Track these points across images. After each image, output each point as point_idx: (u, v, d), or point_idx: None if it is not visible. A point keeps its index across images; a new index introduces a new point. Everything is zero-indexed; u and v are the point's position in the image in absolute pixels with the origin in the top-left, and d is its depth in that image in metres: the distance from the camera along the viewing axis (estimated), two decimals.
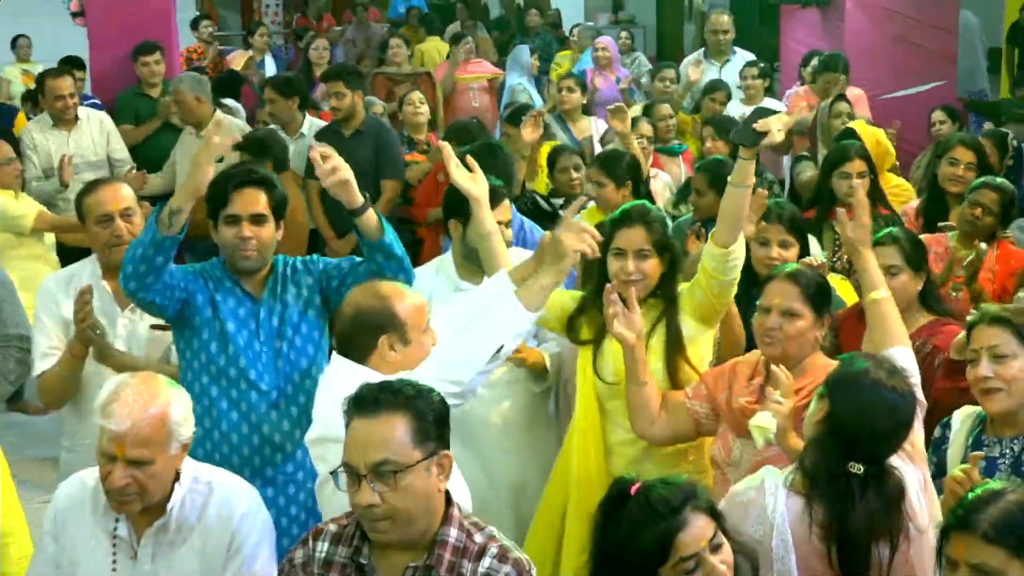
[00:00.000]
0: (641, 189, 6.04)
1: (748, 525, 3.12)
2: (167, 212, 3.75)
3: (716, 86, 8.93)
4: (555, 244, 3.47)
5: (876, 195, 5.70)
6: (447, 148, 4.14)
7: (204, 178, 3.79)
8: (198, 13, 14.29)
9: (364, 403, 2.77)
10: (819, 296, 3.80)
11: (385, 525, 2.72)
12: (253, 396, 3.92)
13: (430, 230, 7.05)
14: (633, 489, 2.71)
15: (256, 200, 3.96)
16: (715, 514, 2.74)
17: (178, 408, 3.08)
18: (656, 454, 4.10)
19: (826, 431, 3.18)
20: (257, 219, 3.96)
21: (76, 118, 7.97)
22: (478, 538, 2.81)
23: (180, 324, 3.98)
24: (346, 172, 3.75)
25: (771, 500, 3.15)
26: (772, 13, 12.08)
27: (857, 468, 3.11)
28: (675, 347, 4.09)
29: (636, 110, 8.95)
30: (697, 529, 2.65)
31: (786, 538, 3.10)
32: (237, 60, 12.30)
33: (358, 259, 4.07)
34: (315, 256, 4.25)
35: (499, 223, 4.35)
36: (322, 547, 2.86)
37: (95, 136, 8.00)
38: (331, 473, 2.80)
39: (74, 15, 9.08)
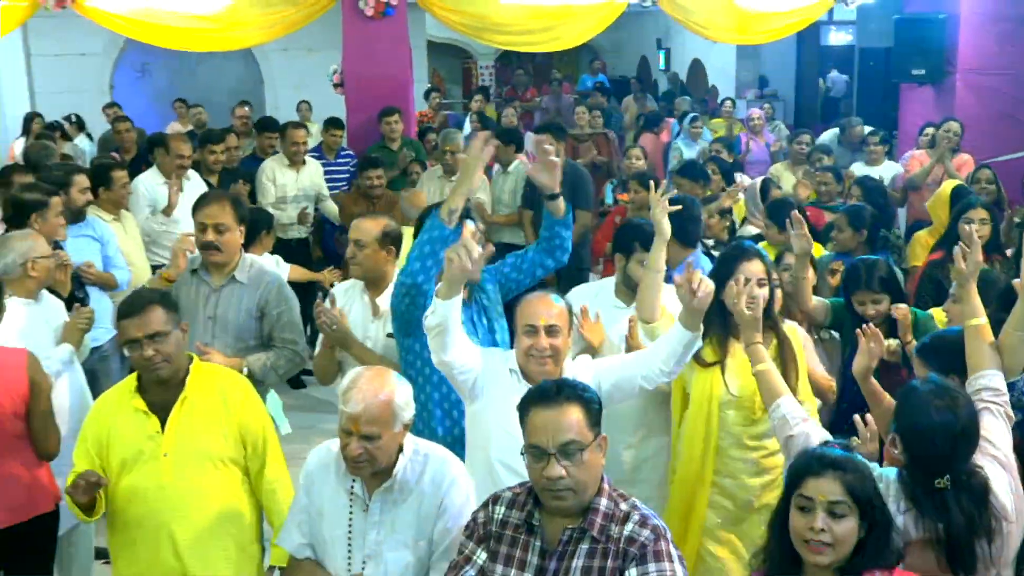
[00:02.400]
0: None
1: None
2: (446, 211, 3.83)
3: None
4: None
5: (995, 243, 5.54)
6: (657, 197, 4.29)
7: (475, 180, 3.92)
8: (430, 85, 14.57)
9: (547, 395, 2.78)
10: None
11: (568, 494, 2.72)
12: None
13: (608, 260, 7.04)
14: None
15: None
16: None
17: (401, 395, 3.10)
18: (757, 457, 4.05)
19: (909, 458, 3.04)
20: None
21: (304, 162, 8.24)
22: (623, 506, 2.78)
23: (412, 328, 3.99)
24: (556, 164, 4.04)
25: (892, 506, 2.95)
26: (893, 90, 11.74)
27: (943, 483, 2.95)
28: (787, 365, 3.99)
29: (779, 168, 8.85)
30: None
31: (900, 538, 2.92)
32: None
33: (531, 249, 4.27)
34: (488, 266, 4.27)
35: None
36: (499, 510, 2.88)
37: (313, 177, 8.23)
38: (520, 452, 2.80)
39: (335, 86, 9.32)
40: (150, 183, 7.26)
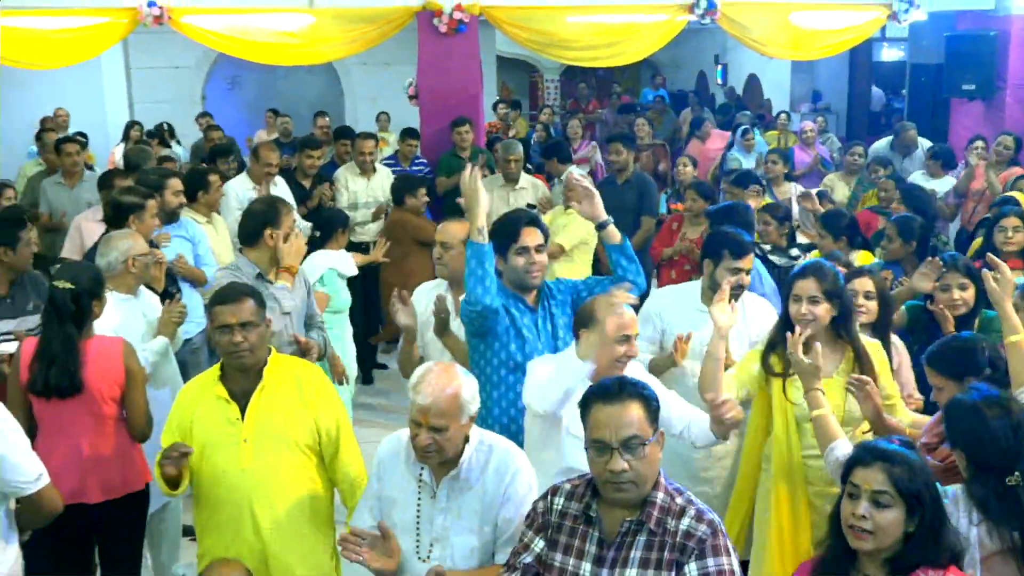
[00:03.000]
0: (857, 240, 5.92)
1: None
2: (475, 232, 3.87)
3: None
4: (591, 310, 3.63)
5: None
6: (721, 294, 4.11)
7: (482, 203, 3.88)
8: (498, 97, 14.60)
9: (609, 392, 2.76)
10: None
11: (629, 487, 2.71)
12: None
13: (664, 266, 7.00)
14: None
15: (538, 235, 4.08)
16: None
17: (468, 390, 3.12)
18: None
19: (975, 467, 2.94)
20: (540, 249, 4.07)
21: (374, 169, 8.33)
22: (679, 500, 2.76)
23: (483, 331, 4.01)
24: (593, 193, 4.11)
25: (963, 520, 2.89)
26: (943, 105, 11.51)
27: (1015, 479, 2.85)
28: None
29: (833, 178, 8.73)
30: None
31: (974, 555, 2.86)
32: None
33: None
34: (565, 279, 4.33)
35: (741, 270, 4.41)
36: (559, 501, 2.87)
37: (384, 184, 8.24)
38: (584, 447, 2.78)
39: (411, 98, 9.38)
40: (240, 188, 7.33)
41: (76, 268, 4.30)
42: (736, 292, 4.41)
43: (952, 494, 2.94)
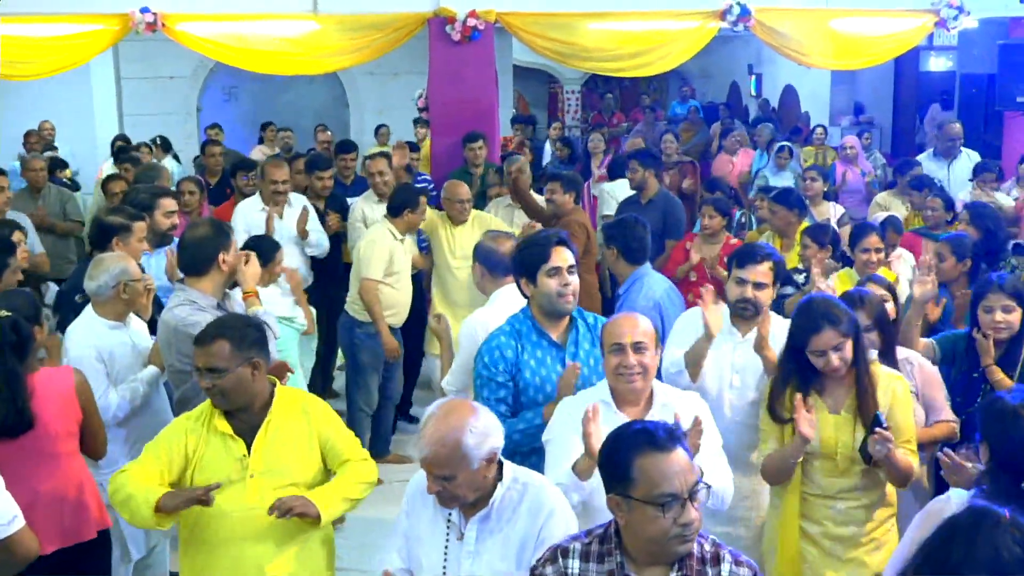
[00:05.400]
0: (837, 255, 6.11)
1: None
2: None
3: None
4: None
5: None
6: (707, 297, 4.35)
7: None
8: (515, 111, 14.64)
9: (660, 441, 2.65)
10: None
11: (694, 538, 2.65)
12: None
13: (679, 283, 7.00)
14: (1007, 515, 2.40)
15: (569, 255, 4.11)
16: None
17: (475, 434, 3.06)
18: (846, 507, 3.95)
19: (995, 462, 3.11)
20: (572, 270, 4.10)
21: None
22: (707, 545, 2.72)
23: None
24: None
25: None
26: (996, 118, 11.49)
27: None
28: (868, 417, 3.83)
29: (886, 198, 8.66)
30: None
31: None
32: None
33: None
34: (601, 318, 4.32)
35: (747, 281, 4.47)
36: (573, 564, 2.76)
37: None
38: (646, 502, 2.64)
39: (421, 110, 9.44)
40: (249, 210, 7.28)
41: (9, 295, 4.34)
42: (743, 306, 4.43)
43: (957, 500, 3.07)
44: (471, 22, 8.61)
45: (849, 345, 3.86)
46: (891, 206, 8.29)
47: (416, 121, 11.72)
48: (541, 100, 21.13)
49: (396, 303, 6.86)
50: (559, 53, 9.24)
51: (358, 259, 6.77)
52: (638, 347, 3.60)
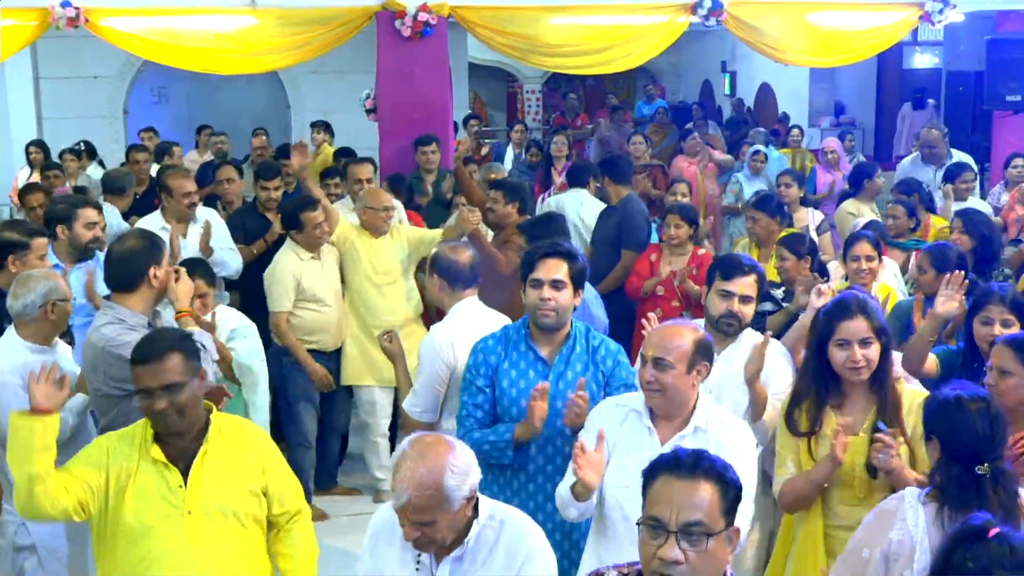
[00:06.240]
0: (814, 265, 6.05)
1: (891, 529, 3.27)
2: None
3: None
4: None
5: None
6: None
7: None
8: (470, 112, 14.65)
9: (682, 464, 2.62)
10: None
11: None
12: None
13: (647, 301, 7.03)
14: (992, 532, 2.56)
15: (559, 268, 4.11)
16: None
17: (454, 473, 3.00)
18: None
19: (946, 456, 3.32)
20: (558, 285, 4.11)
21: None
22: None
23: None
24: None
25: (912, 512, 3.27)
26: (984, 118, 11.65)
27: (984, 468, 3.24)
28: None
29: (852, 204, 8.71)
30: None
31: (925, 544, 3.20)
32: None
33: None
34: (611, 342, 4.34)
35: (732, 294, 4.51)
36: None
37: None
38: (636, 523, 2.65)
39: (368, 112, 9.39)
40: (152, 227, 6.56)
41: None
42: (727, 321, 4.45)
43: (900, 497, 3.34)
44: (422, 16, 8.59)
45: (876, 349, 3.88)
46: (863, 213, 8.34)
47: (314, 125, 11.76)
48: (499, 100, 21.21)
49: (322, 327, 6.72)
50: (518, 50, 9.24)
51: (266, 285, 6.67)
52: (659, 363, 3.60)
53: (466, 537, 3.10)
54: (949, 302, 4.77)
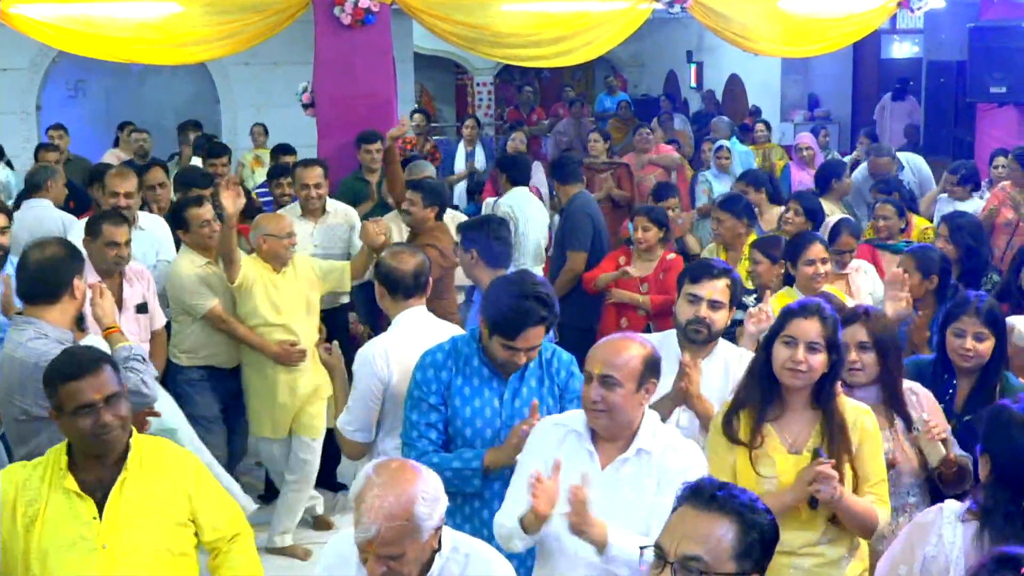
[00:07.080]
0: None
1: (925, 544, 3.28)
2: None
3: None
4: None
5: None
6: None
7: None
8: (416, 106, 14.64)
9: (701, 494, 2.60)
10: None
11: None
12: None
13: (613, 307, 7.15)
14: None
15: (538, 338, 4.10)
16: None
17: (424, 502, 2.97)
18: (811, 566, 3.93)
19: (996, 475, 3.23)
20: (533, 351, 4.13)
21: (324, 210, 7.62)
22: None
23: None
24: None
25: (949, 528, 3.27)
26: (967, 111, 11.79)
27: None
28: (838, 453, 3.83)
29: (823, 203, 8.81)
30: None
31: (961, 564, 3.20)
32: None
33: None
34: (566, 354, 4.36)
35: (700, 298, 4.53)
36: None
37: (338, 230, 7.66)
38: (641, 548, 2.68)
39: (305, 106, 9.36)
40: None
41: None
42: (695, 328, 4.47)
43: (938, 510, 3.33)
44: (364, 3, 8.58)
45: (822, 359, 3.84)
46: (833, 213, 8.38)
47: (182, 127, 11.63)
48: (447, 93, 21.22)
49: (213, 340, 6.56)
50: (467, 39, 9.26)
51: (175, 298, 6.50)
52: (606, 381, 3.57)
53: (428, 572, 3.07)
54: (896, 304, 4.82)
